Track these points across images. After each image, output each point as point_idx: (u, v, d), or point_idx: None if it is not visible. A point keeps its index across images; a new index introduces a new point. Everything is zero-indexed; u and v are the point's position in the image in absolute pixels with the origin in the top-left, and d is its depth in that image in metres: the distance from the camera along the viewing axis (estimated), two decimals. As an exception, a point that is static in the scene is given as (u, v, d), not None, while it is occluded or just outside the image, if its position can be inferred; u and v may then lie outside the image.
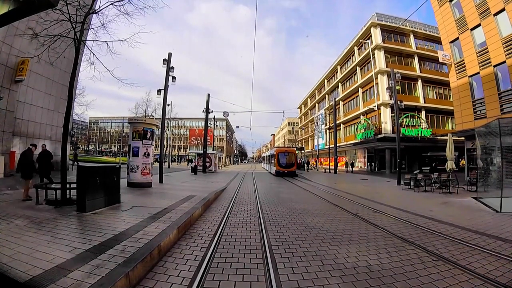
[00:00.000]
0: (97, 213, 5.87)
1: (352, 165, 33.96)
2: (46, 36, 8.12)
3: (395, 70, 29.08)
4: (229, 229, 5.45)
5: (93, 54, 8.79)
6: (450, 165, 13.11)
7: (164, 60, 14.61)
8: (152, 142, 11.14)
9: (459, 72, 20.61)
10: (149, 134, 10.92)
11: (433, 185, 12.95)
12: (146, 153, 10.83)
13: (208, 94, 26.27)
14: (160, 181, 13.47)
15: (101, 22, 9.63)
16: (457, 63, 20.81)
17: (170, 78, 14.76)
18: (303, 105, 72.00)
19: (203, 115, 27.53)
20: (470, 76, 19.64)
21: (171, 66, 14.63)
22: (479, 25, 18.83)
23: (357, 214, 7.16)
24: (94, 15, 9.24)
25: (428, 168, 26.58)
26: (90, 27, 9.71)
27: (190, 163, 31.14)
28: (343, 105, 40.92)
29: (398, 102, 17.25)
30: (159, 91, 14.57)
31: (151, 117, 44.87)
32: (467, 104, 19.83)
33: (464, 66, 20.02)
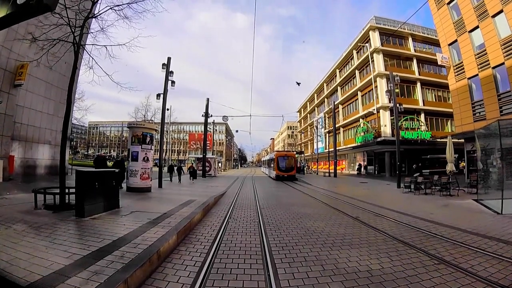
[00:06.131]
0: (95, 218, 5.83)
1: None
2: (45, 40, 8.16)
3: (394, 73, 29.31)
4: (229, 234, 5.41)
5: (92, 58, 8.82)
6: (450, 167, 13.09)
7: (163, 64, 14.64)
8: (151, 147, 11.11)
9: (458, 74, 20.65)
10: (148, 139, 10.89)
11: (434, 187, 12.91)
12: (145, 158, 10.80)
13: (208, 99, 26.37)
14: (160, 185, 13.41)
15: (101, 26, 9.68)
16: (456, 65, 20.86)
17: (170, 82, 14.77)
18: (302, 109, 72.05)
19: (202, 120, 27.57)
20: (469, 78, 19.66)
21: (170, 70, 14.65)
22: (477, 27, 18.90)
23: (357, 218, 7.11)
24: (94, 19, 9.30)
25: (428, 171, 26.51)
26: (89, 32, 9.75)
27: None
28: (342, 108, 40.93)
29: (398, 105, 17.26)
30: (158, 95, 14.56)
31: (150, 121, 44.82)
32: (466, 106, 19.84)
33: (463, 68, 20.06)
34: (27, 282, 2.77)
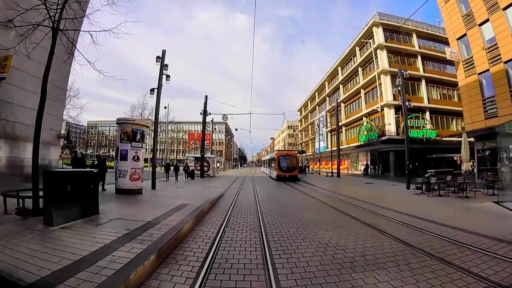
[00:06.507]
0: (66, 227, 4.91)
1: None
2: (23, 26, 7.39)
3: (397, 70, 28.39)
4: (225, 249, 4.42)
5: (73, 44, 8.00)
6: (465, 167, 12.16)
7: (157, 57, 13.69)
8: (142, 145, 10.14)
9: (467, 70, 19.73)
10: (138, 136, 9.93)
11: (448, 189, 12.00)
12: (136, 157, 9.83)
13: (206, 96, 25.40)
14: (153, 187, 12.47)
15: (83, 10, 8.83)
16: (465, 60, 19.93)
17: (164, 77, 13.84)
18: (303, 108, 71.06)
19: (202, 119, 26.60)
20: (479, 74, 18.78)
21: (165, 64, 13.71)
22: (487, 20, 18.05)
23: (373, 226, 6.14)
24: (77, 4, 8.46)
25: (433, 171, 25.53)
26: (73, 18, 8.89)
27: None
28: (345, 107, 39.96)
29: (407, 102, 16.27)
30: (152, 90, 13.61)
31: (148, 120, 43.67)
32: (477, 103, 18.91)
33: (473, 64, 19.16)
34: (27, 282, 2.61)
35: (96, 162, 12.07)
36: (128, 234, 4.36)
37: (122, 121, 10.00)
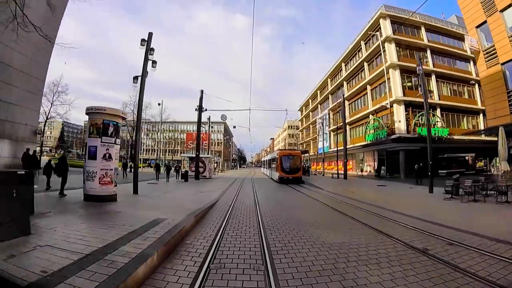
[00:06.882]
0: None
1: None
2: None
3: (407, 64, 26.58)
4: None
5: (16, 3, 6.20)
6: (504, 166, 10.31)
7: (142, 40, 11.85)
8: (116, 140, 8.21)
9: (489, 60, 17.94)
10: (111, 129, 8.02)
11: (482, 192, 10.17)
12: (107, 155, 7.91)
13: (202, 91, 23.40)
14: (135, 191, 10.57)
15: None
16: (486, 50, 18.14)
17: (150, 63, 12.02)
18: (304, 107, 69.12)
19: (202, 119, 24.76)
20: (502, 64, 17.04)
21: (151, 47, 11.88)
22: (510, 5, 16.33)
23: (426, 251, 4.24)
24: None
25: (445, 171, 23.71)
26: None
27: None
28: (349, 104, 38.00)
29: (422, 95, 14.38)
30: (135, 78, 11.77)
31: (147, 120, 41.60)
32: (501, 96, 17.12)
33: (495, 53, 17.40)
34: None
35: (53, 161, 10.16)
36: (34, 285, 2.46)
37: (91, 110, 8.06)
